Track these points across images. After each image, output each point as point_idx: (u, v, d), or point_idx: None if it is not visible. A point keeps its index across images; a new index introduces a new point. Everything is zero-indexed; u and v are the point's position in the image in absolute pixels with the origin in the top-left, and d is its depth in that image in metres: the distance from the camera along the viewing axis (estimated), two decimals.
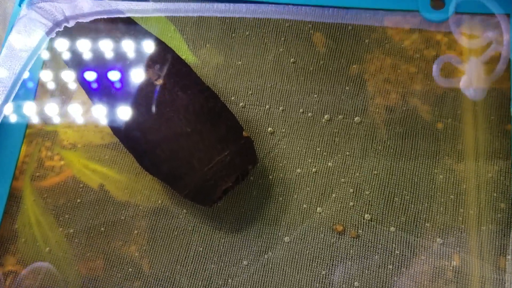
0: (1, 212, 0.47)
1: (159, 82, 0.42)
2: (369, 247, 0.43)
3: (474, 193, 0.43)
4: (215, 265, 0.44)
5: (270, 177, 0.46)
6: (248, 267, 0.44)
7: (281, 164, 0.46)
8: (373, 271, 0.42)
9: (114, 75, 0.43)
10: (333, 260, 0.43)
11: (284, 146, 0.46)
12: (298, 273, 0.43)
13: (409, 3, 0.47)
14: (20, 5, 0.49)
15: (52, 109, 0.49)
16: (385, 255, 0.42)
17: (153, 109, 0.42)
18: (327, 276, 0.43)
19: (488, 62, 0.45)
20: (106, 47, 0.45)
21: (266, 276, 0.43)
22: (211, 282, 0.44)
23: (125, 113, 0.43)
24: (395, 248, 0.42)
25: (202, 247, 0.45)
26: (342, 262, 0.43)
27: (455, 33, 0.46)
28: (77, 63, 0.45)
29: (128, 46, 0.44)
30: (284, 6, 0.48)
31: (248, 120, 0.47)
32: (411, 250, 0.42)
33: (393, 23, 0.48)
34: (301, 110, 0.47)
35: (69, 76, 0.50)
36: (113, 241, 0.46)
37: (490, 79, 0.45)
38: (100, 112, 0.45)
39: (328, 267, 0.43)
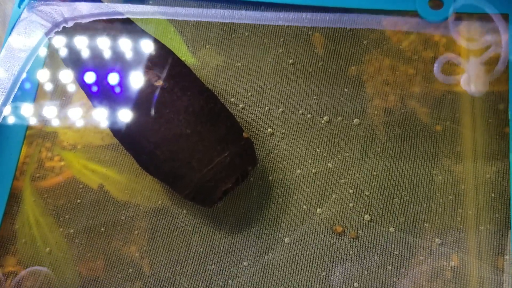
0: (1, 213, 0.47)
1: (159, 83, 0.43)
2: (369, 247, 0.43)
3: (472, 194, 0.43)
4: (215, 266, 0.44)
5: (270, 178, 0.46)
6: (248, 268, 0.44)
7: (281, 165, 0.46)
8: (372, 272, 0.42)
9: (114, 77, 0.43)
10: (333, 261, 0.43)
11: (284, 147, 0.46)
12: (298, 274, 0.43)
13: (408, 3, 0.47)
14: (19, 6, 0.49)
15: (52, 110, 0.49)
16: (385, 255, 0.43)
17: (153, 110, 0.42)
18: (327, 276, 0.43)
19: (486, 62, 0.45)
20: (106, 48, 0.45)
21: (266, 277, 0.43)
22: (211, 282, 0.44)
23: (125, 114, 0.43)
24: (394, 249, 0.43)
25: (202, 248, 0.45)
26: (342, 263, 0.43)
27: (453, 34, 0.46)
28: (77, 65, 0.45)
29: (127, 47, 0.44)
30: (284, 13, 0.48)
31: (247, 121, 0.47)
32: (410, 251, 0.42)
33: (391, 23, 0.48)
34: (300, 111, 0.47)
35: (69, 78, 0.50)
36: (113, 241, 0.46)
37: (489, 79, 0.45)
38: (100, 113, 0.45)
39: (328, 268, 0.43)
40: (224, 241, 0.45)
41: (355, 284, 0.42)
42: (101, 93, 0.44)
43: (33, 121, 0.49)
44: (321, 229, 0.44)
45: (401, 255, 0.42)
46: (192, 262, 0.45)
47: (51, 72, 0.50)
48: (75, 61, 0.45)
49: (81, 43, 0.45)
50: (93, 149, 0.48)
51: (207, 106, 0.43)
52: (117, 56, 0.44)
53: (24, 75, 0.45)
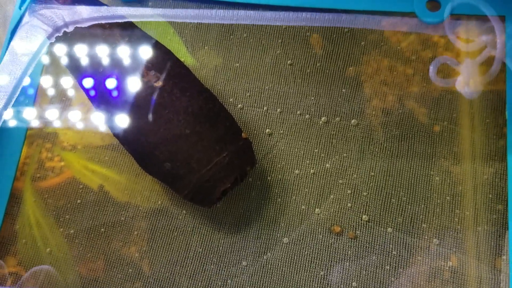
0: (1, 213, 0.47)
1: (158, 84, 0.43)
2: (367, 247, 0.43)
3: (470, 195, 0.43)
4: (215, 266, 0.44)
5: (268, 178, 0.46)
6: (247, 267, 0.44)
7: (279, 166, 0.46)
8: (370, 272, 0.43)
9: (114, 78, 0.44)
10: (331, 261, 0.43)
11: (282, 148, 0.47)
12: (296, 273, 0.43)
13: (405, 5, 0.47)
14: (20, 8, 0.49)
15: (52, 111, 0.49)
16: (383, 255, 0.43)
17: (152, 111, 0.42)
18: (325, 276, 0.43)
19: (483, 63, 0.45)
20: (105, 49, 0.45)
21: (265, 277, 0.44)
22: (210, 282, 0.44)
23: (125, 115, 0.43)
24: (392, 249, 0.43)
25: (202, 248, 0.45)
26: (340, 263, 0.43)
27: (450, 35, 0.46)
28: (78, 67, 0.45)
29: (127, 49, 0.45)
30: (282, 12, 0.48)
31: (246, 121, 0.47)
32: (408, 251, 0.43)
33: (389, 25, 0.48)
34: (298, 112, 0.47)
35: (69, 79, 0.50)
36: (113, 242, 0.46)
37: (485, 80, 0.45)
38: (100, 114, 0.45)
39: (326, 267, 0.43)
40: (223, 241, 0.45)
41: (353, 283, 0.42)
42: (101, 94, 0.44)
43: (33, 122, 0.49)
44: (320, 229, 0.44)
45: (399, 255, 0.43)
46: (191, 262, 0.45)
47: (51, 74, 0.50)
48: (75, 63, 0.46)
49: (82, 46, 0.46)
50: (93, 150, 0.48)
51: (206, 106, 0.43)
52: (117, 57, 0.44)
53: (26, 79, 0.46)
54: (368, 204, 0.44)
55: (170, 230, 0.46)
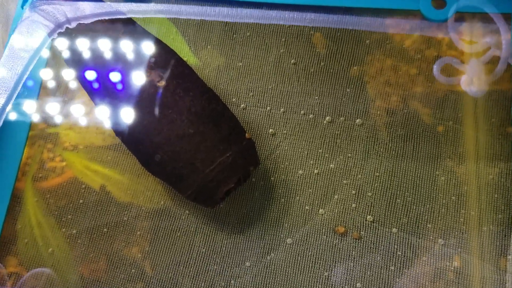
0: (3, 213, 0.47)
1: (161, 84, 0.43)
2: (371, 248, 0.43)
3: (475, 195, 0.43)
4: (218, 266, 0.44)
5: (272, 178, 0.46)
6: (251, 268, 0.44)
7: (283, 166, 0.46)
8: (375, 272, 0.42)
9: (116, 77, 0.43)
10: (335, 262, 0.43)
11: (286, 148, 0.46)
12: (300, 274, 0.43)
13: (411, 3, 0.47)
14: (22, 7, 0.49)
15: (54, 111, 0.49)
16: (387, 256, 0.43)
17: (156, 110, 0.42)
18: (329, 277, 0.43)
19: (488, 62, 0.45)
20: (108, 49, 0.45)
21: (268, 278, 0.43)
22: (213, 283, 0.44)
23: (127, 114, 0.43)
24: (397, 249, 0.43)
25: (205, 248, 0.45)
26: (344, 264, 0.43)
27: (456, 33, 0.46)
28: (79, 65, 0.45)
29: (130, 48, 0.44)
30: (286, 12, 0.48)
31: (249, 121, 0.47)
32: (413, 251, 0.42)
33: (394, 23, 0.48)
34: (302, 111, 0.47)
35: (71, 79, 0.50)
36: (115, 242, 0.46)
37: (490, 79, 0.45)
38: (102, 114, 0.45)
39: (330, 268, 0.43)
40: (227, 241, 0.45)
41: (357, 284, 0.42)
42: (103, 94, 0.44)
43: (35, 122, 0.49)
44: (324, 229, 0.44)
45: (404, 256, 0.42)
46: (194, 263, 0.45)
47: (53, 72, 0.50)
48: (77, 62, 0.45)
49: (83, 44, 0.45)
50: (94, 150, 0.48)
51: (209, 106, 0.43)
52: (120, 57, 0.44)
53: (27, 75, 0.46)
54: (372, 205, 0.44)
55: (172, 231, 0.46)
